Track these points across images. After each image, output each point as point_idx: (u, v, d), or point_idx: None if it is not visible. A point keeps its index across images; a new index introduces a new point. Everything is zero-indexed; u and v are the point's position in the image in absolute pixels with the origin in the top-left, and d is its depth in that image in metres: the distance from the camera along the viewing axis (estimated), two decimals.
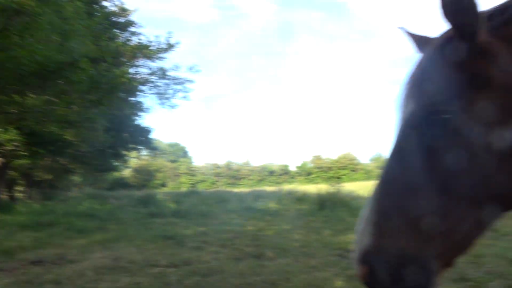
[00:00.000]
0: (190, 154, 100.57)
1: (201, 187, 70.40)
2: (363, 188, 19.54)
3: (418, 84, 1.25)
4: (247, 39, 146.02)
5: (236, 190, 36.47)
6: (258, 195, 20.93)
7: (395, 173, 1.21)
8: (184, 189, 49.63)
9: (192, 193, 25.89)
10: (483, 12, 1.15)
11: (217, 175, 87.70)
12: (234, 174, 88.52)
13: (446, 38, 1.24)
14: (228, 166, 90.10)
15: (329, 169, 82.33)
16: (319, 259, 6.06)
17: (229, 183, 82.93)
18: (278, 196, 19.72)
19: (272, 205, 16.77)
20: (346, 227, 9.00)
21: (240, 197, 21.65)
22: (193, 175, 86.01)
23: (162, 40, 17.11)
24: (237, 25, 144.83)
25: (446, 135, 1.13)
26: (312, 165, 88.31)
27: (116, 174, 49.67)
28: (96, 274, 5.47)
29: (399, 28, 1.56)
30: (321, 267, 5.61)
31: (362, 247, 1.18)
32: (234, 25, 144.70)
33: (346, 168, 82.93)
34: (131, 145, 30.15)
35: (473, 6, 1.07)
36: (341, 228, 8.99)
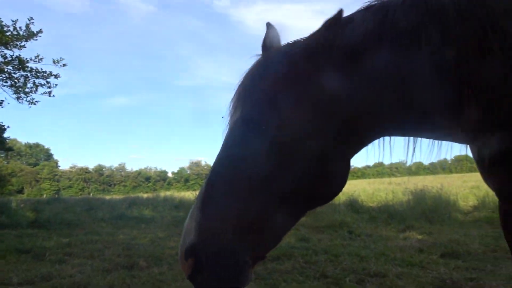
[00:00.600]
0: (54, 157, 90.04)
1: (66, 194, 63.99)
2: None
3: (245, 95, 1.40)
4: (123, 38, 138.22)
5: (108, 197, 33.96)
6: (133, 202, 19.77)
7: (217, 175, 1.34)
8: (45, 196, 44.42)
9: (55, 201, 23.16)
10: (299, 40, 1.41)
11: (87, 180, 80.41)
12: (106, 180, 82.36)
13: (270, 58, 1.44)
14: (99, 171, 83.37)
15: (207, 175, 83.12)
16: None
17: (100, 190, 76.91)
18: (154, 203, 19.04)
19: (147, 212, 16.11)
20: None
21: (112, 204, 20.20)
22: (57, 181, 77.17)
23: (21, 26, 15.09)
24: (112, 21, 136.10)
25: (262, 143, 1.28)
26: (189, 171, 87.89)
27: None
28: None
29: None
30: None
31: (187, 243, 1.27)
32: (109, 20, 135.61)
33: None
34: None
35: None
36: None
